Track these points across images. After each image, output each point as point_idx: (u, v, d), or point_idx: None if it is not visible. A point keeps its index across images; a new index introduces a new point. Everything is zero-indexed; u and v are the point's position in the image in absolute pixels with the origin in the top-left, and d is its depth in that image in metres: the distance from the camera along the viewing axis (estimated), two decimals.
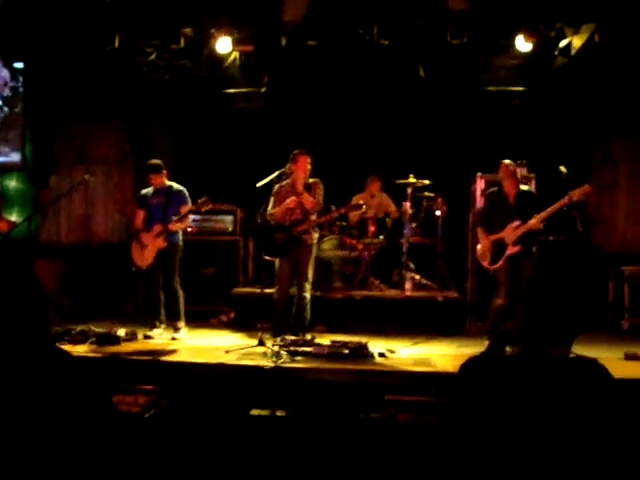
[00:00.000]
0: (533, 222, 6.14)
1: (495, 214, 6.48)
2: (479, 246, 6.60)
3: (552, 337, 2.27)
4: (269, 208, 6.76)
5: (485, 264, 6.52)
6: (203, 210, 6.83)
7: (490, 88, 8.81)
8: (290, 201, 6.61)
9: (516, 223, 6.24)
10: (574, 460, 2.13)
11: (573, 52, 7.31)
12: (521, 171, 7.14)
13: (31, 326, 2.42)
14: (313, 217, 6.71)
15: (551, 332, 2.27)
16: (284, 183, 6.74)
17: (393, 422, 3.91)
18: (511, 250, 6.28)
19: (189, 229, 7.50)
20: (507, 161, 6.45)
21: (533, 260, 6.30)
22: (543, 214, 6.08)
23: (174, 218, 6.73)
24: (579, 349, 2.30)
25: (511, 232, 6.27)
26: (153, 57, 7.92)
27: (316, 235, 6.85)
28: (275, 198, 6.73)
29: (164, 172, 6.96)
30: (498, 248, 6.37)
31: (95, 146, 9.16)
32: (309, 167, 6.65)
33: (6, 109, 9.13)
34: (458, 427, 2.31)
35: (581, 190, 5.87)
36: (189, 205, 6.85)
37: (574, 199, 5.87)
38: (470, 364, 2.35)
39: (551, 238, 7.36)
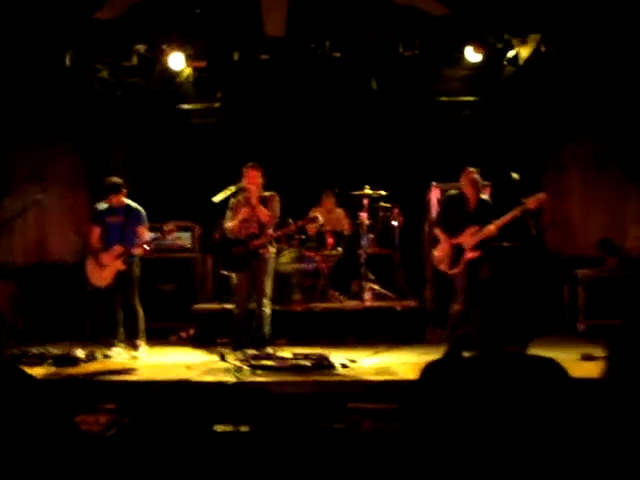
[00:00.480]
0: (491, 228, 6.20)
1: (453, 217, 6.47)
2: (437, 249, 6.57)
3: (508, 337, 2.31)
4: (226, 222, 6.76)
5: (443, 267, 6.51)
6: (167, 236, 6.82)
7: (442, 98, 8.96)
8: (243, 211, 6.61)
9: (474, 229, 6.28)
10: (534, 459, 2.17)
11: (521, 62, 7.50)
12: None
13: None
14: (270, 231, 6.71)
15: (507, 332, 2.31)
16: (240, 197, 6.74)
17: (357, 430, 3.93)
18: (469, 255, 6.31)
19: (147, 249, 7.42)
20: (471, 168, 6.50)
21: (490, 265, 6.37)
22: (500, 221, 6.16)
23: (137, 241, 6.67)
24: (536, 351, 2.35)
25: (469, 237, 6.31)
26: (105, 74, 7.88)
27: (273, 249, 6.86)
28: (231, 212, 6.73)
29: (124, 191, 6.89)
30: (456, 252, 6.39)
31: (49, 166, 9.03)
32: (260, 180, 6.65)
33: None
34: (420, 432, 2.34)
35: (537, 198, 5.97)
36: (146, 225, 6.81)
37: (530, 207, 5.97)
38: (429, 369, 2.38)
39: (506, 244, 7.47)
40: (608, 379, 2.27)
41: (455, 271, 6.39)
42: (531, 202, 5.95)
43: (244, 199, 6.70)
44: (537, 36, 7.17)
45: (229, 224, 6.73)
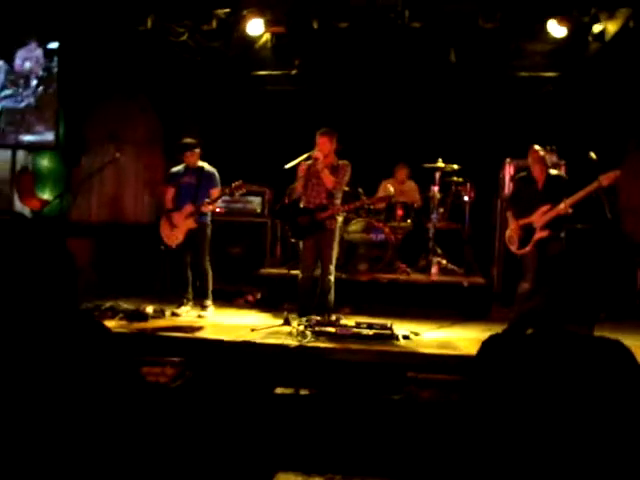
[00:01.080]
0: (562, 207, 6.08)
1: (523, 198, 6.40)
2: (508, 230, 6.53)
3: (573, 315, 2.28)
4: (292, 185, 6.84)
5: (513, 248, 6.44)
6: (237, 194, 6.90)
7: (522, 74, 8.74)
8: (301, 170, 6.64)
9: (545, 207, 6.16)
10: (592, 437, 2.15)
11: (607, 38, 7.23)
12: (551, 157, 7.07)
13: (62, 294, 2.48)
14: (338, 203, 6.71)
15: (572, 310, 2.28)
16: (309, 162, 6.73)
17: (415, 399, 3.95)
18: (539, 234, 6.19)
19: (218, 209, 7.55)
20: (536, 146, 6.40)
21: (561, 245, 6.25)
22: (572, 199, 6.03)
23: (207, 200, 6.79)
24: (604, 334, 2.30)
25: (540, 216, 6.20)
26: (185, 38, 7.97)
27: (340, 218, 6.86)
28: (297, 174, 6.77)
29: (198, 151, 6.99)
30: (526, 232, 6.29)
31: (126, 127, 9.26)
32: (332, 147, 6.63)
33: (41, 89, 9.24)
34: (478, 404, 2.34)
35: (611, 175, 5.80)
36: (219, 188, 6.91)
37: (603, 184, 5.80)
38: (491, 341, 2.36)
39: (579, 226, 7.30)
40: None
41: (524, 251, 6.30)
42: (604, 179, 5.78)
43: (311, 165, 6.69)
44: (626, 11, 6.90)
45: (294, 185, 6.83)
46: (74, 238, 8.05)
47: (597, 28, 7.17)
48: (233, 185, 6.78)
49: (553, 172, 6.47)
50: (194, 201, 6.81)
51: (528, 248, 6.27)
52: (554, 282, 2.33)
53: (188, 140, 7.04)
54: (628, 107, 8.38)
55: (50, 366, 2.29)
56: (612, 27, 7.12)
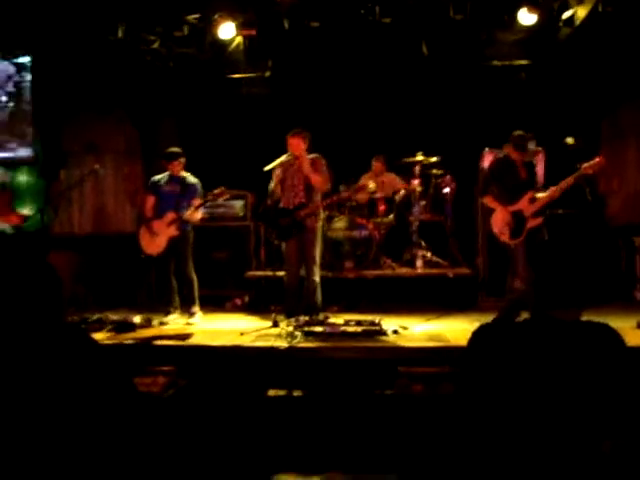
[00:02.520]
0: (553, 193, 5.93)
1: (506, 183, 6.16)
2: (494, 219, 6.18)
3: (561, 300, 2.30)
4: (270, 185, 6.82)
5: (505, 238, 6.10)
6: (219, 200, 6.90)
7: (495, 63, 8.76)
8: (277, 174, 6.66)
9: (530, 194, 6.02)
10: (582, 423, 2.17)
11: (577, 23, 7.29)
12: (530, 144, 7.04)
13: (47, 308, 2.46)
14: (318, 199, 6.72)
15: (559, 295, 2.30)
16: (284, 161, 6.69)
17: (407, 393, 3.96)
18: (533, 222, 6.00)
19: (200, 216, 7.50)
20: (518, 132, 6.28)
21: (546, 232, 6.16)
22: (559, 187, 5.88)
23: (189, 209, 6.77)
24: (591, 318, 2.32)
25: (528, 204, 6.03)
26: (156, 45, 7.96)
27: (322, 216, 6.87)
28: (274, 175, 6.76)
29: (183, 160, 6.97)
30: (517, 220, 6.04)
31: (103, 137, 9.20)
32: (305, 146, 6.63)
33: (12, 104, 9.17)
34: (471, 394, 2.35)
35: (594, 163, 5.80)
36: (201, 199, 6.90)
37: (587, 172, 5.80)
38: (481, 330, 2.39)
39: (561, 211, 7.35)
40: None
41: (518, 241, 6.03)
42: (588, 167, 5.76)
43: (286, 163, 6.69)
44: None
45: (271, 185, 6.80)
46: (58, 252, 8.00)
47: (567, 13, 7.22)
48: (215, 192, 6.78)
49: (528, 160, 6.43)
50: (176, 210, 6.78)
51: (522, 238, 6.02)
52: (540, 269, 2.35)
53: (174, 149, 7.02)
54: (601, 91, 8.45)
55: (39, 380, 2.28)
56: (581, 12, 7.18)
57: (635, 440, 2.17)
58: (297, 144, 6.59)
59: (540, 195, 6.03)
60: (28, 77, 9.11)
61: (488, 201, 6.27)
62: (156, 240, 6.83)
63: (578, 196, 6.25)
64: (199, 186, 6.99)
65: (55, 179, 9.13)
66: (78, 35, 7.74)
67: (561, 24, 7.39)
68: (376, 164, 8.84)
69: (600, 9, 7.00)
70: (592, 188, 7.48)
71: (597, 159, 5.83)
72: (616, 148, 8.54)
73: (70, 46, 8.08)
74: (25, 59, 9.03)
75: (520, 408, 2.21)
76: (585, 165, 5.78)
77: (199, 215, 6.94)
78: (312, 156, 6.69)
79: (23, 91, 9.11)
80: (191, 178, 7.01)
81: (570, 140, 6.09)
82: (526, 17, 7.20)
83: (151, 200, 7.01)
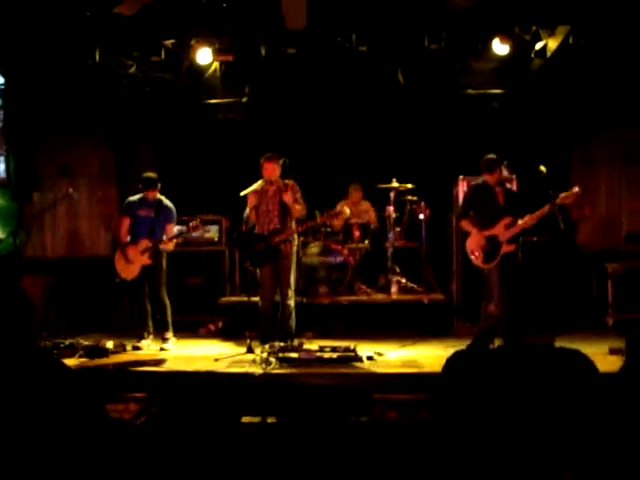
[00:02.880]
0: (530, 221, 6.01)
1: (482, 208, 6.25)
2: (469, 242, 6.27)
3: (534, 328, 2.31)
4: (245, 212, 6.83)
5: (478, 262, 6.20)
6: (192, 232, 6.91)
7: (469, 91, 8.89)
8: (251, 200, 6.68)
9: (507, 220, 6.09)
10: (557, 450, 2.18)
11: (549, 54, 7.43)
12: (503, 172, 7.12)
13: (18, 333, 2.43)
14: (292, 225, 6.74)
15: (533, 323, 2.31)
16: (258, 188, 6.71)
17: (382, 420, 3.95)
18: (507, 248, 6.07)
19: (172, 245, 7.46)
20: (488, 155, 6.28)
21: (518, 258, 6.22)
22: (535, 215, 5.97)
23: (164, 238, 6.75)
24: (564, 344, 2.34)
25: (504, 230, 6.10)
26: (133, 70, 7.96)
27: (296, 242, 6.88)
28: (248, 202, 6.77)
29: (158, 186, 6.96)
30: (492, 246, 6.12)
31: (78, 161, 9.15)
32: (278, 171, 6.67)
33: None
34: (446, 422, 2.35)
35: (571, 193, 5.87)
36: (174, 223, 6.89)
37: (565, 202, 5.88)
38: (455, 357, 2.39)
39: (535, 239, 7.43)
40: (625, 373, 2.26)
41: (491, 265, 6.11)
42: (565, 197, 5.83)
43: (260, 190, 6.70)
44: (566, 28, 7.11)
45: (246, 212, 6.80)
46: (30, 275, 7.92)
47: (539, 45, 7.35)
48: (191, 224, 6.80)
49: (508, 187, 6.50)
50: (150, 235, 6.76)
51: (495, 262, 6.10)
52: (513, 295, 2.37)
53: (150, 175, 6.99)
54: (572, 120, 8.60)
55: (9, 406, 2.25)
56: (553, 43, 7.31)
57: (598, 470, 2.18)
58: (272, 169, 6.62)
59: (518, 222, 6.09)
60: (1, 98, 9.06)
61: (465, 225, 6.36)
62: (130, 266, 6.80)
63: (551, 223, 6.31)
64: (174, 211, 6.98)
65: (28, 202, 9.05)
66: (54, 57, 7.72)
67: (533, 55, 7.52)
68: (354, 192, 8.87)
69: (571, 41, 7.14)
70: (564, 215, 7.57)
71: (574, 189, 5.91)
72: (587, 176, 8.67)
73: (45, 68, 8.06)
74: None
75: (494, 434, 2.22)
76: (562, 195, 5.85)
77: (172, 245, 6.92)
78: (286, 182, 6.72)
79: None
80: (166, 202, 7.00)
81: (543, 168, 6.16)
82: (499, 47, 7.32)
83: (126, 223, 6.98)
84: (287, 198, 6.60)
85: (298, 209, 6.65)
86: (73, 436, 2.35)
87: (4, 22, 7.14)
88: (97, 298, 8.47)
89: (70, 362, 5.89)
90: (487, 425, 2.23)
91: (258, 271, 6.79)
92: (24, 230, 8.65)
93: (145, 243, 6.74)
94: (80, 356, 6.17)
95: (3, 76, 8.95)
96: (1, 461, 2.20)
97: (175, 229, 6.96)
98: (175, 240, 6.94)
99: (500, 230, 6.12)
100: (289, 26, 6.85)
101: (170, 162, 9.19)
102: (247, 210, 6.79)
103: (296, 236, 6.91)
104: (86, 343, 6.49)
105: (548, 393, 2.22)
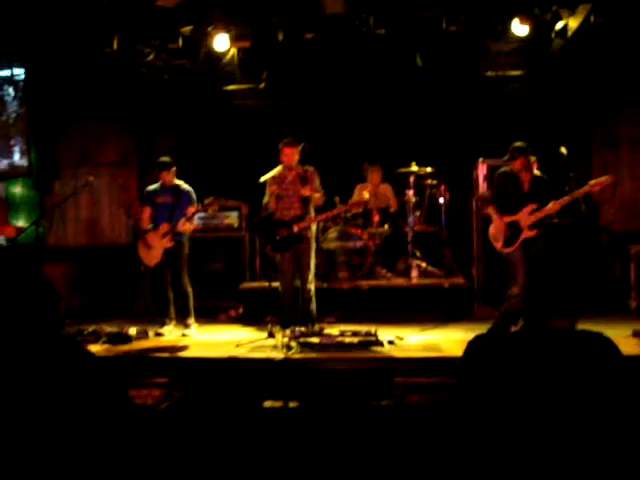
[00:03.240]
0: (554, 207, 6.01)
1: (508, 195, 6.26)
2: (492, 227, 6.34)
3: (555, 309, 2.30)
4: (264, 199, 6.82)
5: (498, 246, 6.27)
6: (210, 211, 6.90)
7: (489, 73, 8.81)
8: (273, 188, 6.65)
9: (531, 207, 6.09)
10: (583, 433, 2.17)
11: (570, 34, 7.32)
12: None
13: (44, 322, 2.46)
14: (313, 214, 6.74)
15: (554, 304, 2.30)
16: (276, 174, 6.71)
17: (403, 403, 3.96)
18: (527, 234, 6.09)
19: (194, 227, 7.49)
20: (515, 143, 6.25)
21: (541, 241, 6.20)
22: (562, 201, 5.96)
23: (182, 219, 6.78)
24: (586, 327, 2.33)
25: (527, 216, 6.11)
26: (151, 57, 7.97)
27: (314, 227, 6.88)
28: (268, 189, 6.76)
29: (174, 169, 6.99)
30: (513, 231, 6.17)
31: (98, 149, 9.21)
32: (297, 156, 6.66)
33: (3, 117, 9.17)
34: (466, 405, 2.35)
35: (602, 180, 5.82)
36: (195, 206, 6.91)
37: (595, 189, 5.83)
38: (476, 341, 2.39)
39: (557, 221, 7.36)
40: None
41: (510, 250, 6.16)
42: (596, 184, 5.80)
43: (279, 176, 6.71)
44: (587, 6, 6.99)
45: (265, 199, 6.79)
46: (53, 263, 8.00)
47: (559, 25, 7.26)
48: (205, 202, 6.80)
49: (537, 173, 6.45)
50: (170, 220, 6.79)
51: (514, 247, 6.15)
52: (535, 278, 2.36)
53: (164, 159, 7.03)
54: (593, 101, 8.49)
55: (35, 393, 2.28)
56: (573, 23, 7.21)
57: (625, 457, 2.17)
58: (291, 154, 6.61)
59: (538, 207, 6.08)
60: (22, 88, 9.12)
61: (490, 211, 6.39)
62: (152, 252, 6.84)
63: (572, 205, 6.26)
64: (193, 194, 7.00)
65: (49, 191, 9.13)
66: (73, 46, 7.75)
67: (554, 35, 7.43)
68: (373, 175, 8.82)
69: (592, 20, 7.03)
70: (586, 197, 7.51)
71: (606, 177, 5.86)
72: (608, 157, 8.57)
73: (65, 57, 8.10)
74: (19, 70, 9.04)
75: (516, 420, 2.21)
76: (593, 182, 5.81)
77: (192, 226, 6.95)
78: (307, 168, 6.72)
79: (13, 103, 9.11)
80: (184, 186, 7.02)
81: (564, 150, 6.10)
82: (519, 28, 7.23)
83: (147, 211, 7.01)
84: (306, 192, 6.60)
85: (317, 197, 6.65)
86: (98, 422, 2.38)
87: (23, 12, 7.18)
88: (119, 285, 8.54)
89: (94, 348, 5.95)
90: (509, 410, 2.22)
91: (278, 256, 6.80)
92: (46, 219, 8.73)
93: (165, 227, 6.78)
94: (103, 342, 6.24)
95: (23, 66, 9.01)
96: (28, 448, 2.23)
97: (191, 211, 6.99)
98: (194, 221, 6.96)
99: (523, 216, 6.14)
100: (329, 11, 6.85)
101: (189, 149, 9.21)
102: (266, 196, 6.79)
103: (315, 222, 6.91)
104: (109, 329, 6.56)
105: (571, 377, 2.21)
